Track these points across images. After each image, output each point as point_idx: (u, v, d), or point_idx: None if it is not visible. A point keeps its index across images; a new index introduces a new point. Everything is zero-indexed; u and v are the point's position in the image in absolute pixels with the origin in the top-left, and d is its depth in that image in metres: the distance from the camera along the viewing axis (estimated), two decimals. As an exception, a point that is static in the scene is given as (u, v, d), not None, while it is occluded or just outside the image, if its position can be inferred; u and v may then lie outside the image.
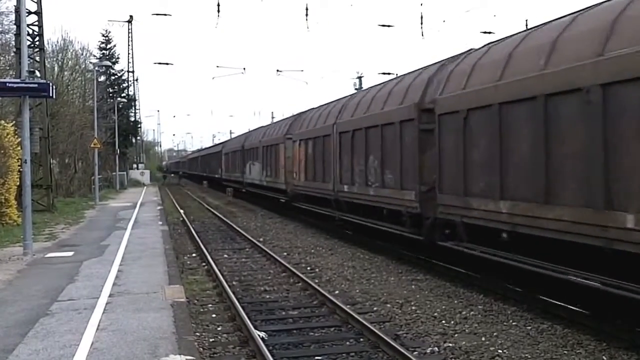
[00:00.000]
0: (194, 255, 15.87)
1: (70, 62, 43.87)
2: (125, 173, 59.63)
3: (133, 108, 68.86)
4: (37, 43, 26.31)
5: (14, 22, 26.27)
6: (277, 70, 44.62)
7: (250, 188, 34.53)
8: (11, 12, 28.80)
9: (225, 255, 15.86)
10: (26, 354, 6.98)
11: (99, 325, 8.07)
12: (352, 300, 10.55)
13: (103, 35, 62.36)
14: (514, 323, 8.83)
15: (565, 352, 7.53)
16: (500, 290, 10.44)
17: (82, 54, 46.65)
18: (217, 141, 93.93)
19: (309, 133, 21.13)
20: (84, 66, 46.36)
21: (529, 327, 8.58)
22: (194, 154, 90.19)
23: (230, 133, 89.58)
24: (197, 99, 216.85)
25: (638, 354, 7.33)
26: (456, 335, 8.36)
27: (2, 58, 31.93)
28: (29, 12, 24.97)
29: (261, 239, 18.69)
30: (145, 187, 57.41)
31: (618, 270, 7.33)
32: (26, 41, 15.96)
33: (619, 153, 7.21)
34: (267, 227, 22.82)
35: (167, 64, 52.90)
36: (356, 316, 8.89)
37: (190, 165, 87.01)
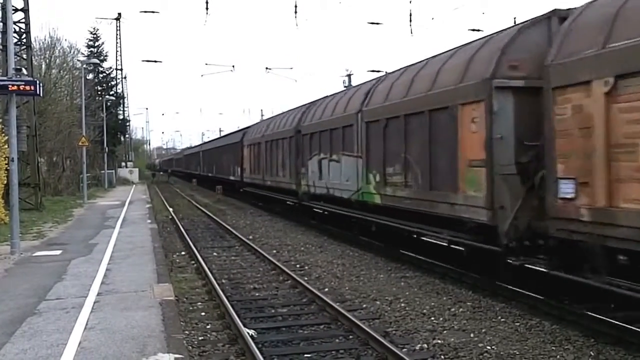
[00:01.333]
0: (183, 253, 15.81)
1: (57, 59, 43.53)
2: (113, 171, 59.28)
3: (121, 106, 68.59)
4: (24, 40, 26.10)
5: (0, 19, 26.02)
6: (266, 68, 44.75)
7: (329, 206, 18.35)
8: (-3, 9, 28.57)
9: (215, 254, 15.81)
10: (13, 353, 6.92)
11: (87, 324, 8.01)
12: (342, 297, 10.55)
13: (91, 33, 62.24)
14: (502, 319, 8.87)
15: (554, 348, 7.58)
16: (489, 287, 10.48)
17: (70, 52, 46.34)
18: (206, 139, 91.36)
19: None
20: (71, 64, 46.06)
21: (518, 324, 8.62)
22: (194, 149, 72.65)
23: (220, 131, 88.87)
24: (186, 96, 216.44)
25: (625, 349, 7.39)
26: (445, 331, 8.39)
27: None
28: (16, 9, 24.78)
29: (250, 237, 18.64)
30: (134, 186, 57.11)
31: None
32: (13, 38, 15.83)
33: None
34: (256, 224, 22.77)
35: (155, 61, 52.89)
36: (345, 313, 8.88)
37: (188, 163, 71.08)
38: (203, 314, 9.57)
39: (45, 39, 43.10)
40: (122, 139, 71.57)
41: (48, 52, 42.43)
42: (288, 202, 23.28)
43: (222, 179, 41.04)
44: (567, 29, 8.55)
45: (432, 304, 9.89)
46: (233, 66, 54.18)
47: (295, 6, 28.20)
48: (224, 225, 21.73)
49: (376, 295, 10.59)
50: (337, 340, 8.14)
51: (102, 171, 53.12)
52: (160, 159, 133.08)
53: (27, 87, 14.63)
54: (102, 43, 62.73)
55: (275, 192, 25.14)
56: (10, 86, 14.38)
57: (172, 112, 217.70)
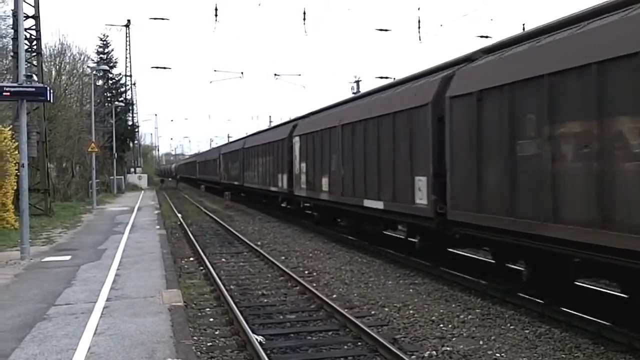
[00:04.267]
0: (191, 259, 15.84)
1: (67, 66, 43.82)
2: (122, 177, 59.52)
3: (130, 112, 68.93)
4: (34, 47, 26.28)
5: (11, 26, 26.22)
6: (275, 75, 44.68)
7: None
8: (8, 16, 28.91)
9: (223, 259, 15.83)
10: (23, 358, 6.95)
11: (96, 330, 8.04)
12: (350, 304, 10.53)
13: (101, 40, 62.74)
14: (511, 327, 8.83)
15: (563, 355, 7.53)
16: (498, 294, 10.44)
17: (80, 58, 46.62)
18: (214, 145, 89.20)
19: None
20: (81, 70, 46.34)
21: (527, 331, 8.58)
22: (257, 137, 35.36)
23: (228, 137, 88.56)
24: (195, 103, 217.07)
25: (635, 357, 7.34)
26: (454, 339, 8.35)
27: (-1, 62, 31.95)
28: (27, 16, 24.96)
29: (259, 243, 18.66)
30: (142, 191, 57.31)
31: None
32: (24, 45, 15.92)
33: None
34: (264, 231, 22.78)
35: (164, 68, 52.83)
36: (354, 320, 8.87)
37: (240, 167, 36.97)
38: (212, 319, 9.57)
39: (55, 46, 43.58)
40: (131, 145, 71.87)
41: (58, 58, 42.79)
42: None
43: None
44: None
45: (441, 310, 9.86)
46: (242, 73, 54.34)
47: (304, 13, 28.39)
48: (233, 231, 21.76)
49: (385, 302, 10.57)
50: (345, 347, 8.12)
51: (111, 177, 53.35)
52: (175, 164, 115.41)
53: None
54: (112, 50, 63.32)
55: None
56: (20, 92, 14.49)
57: (181, 118, 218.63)
